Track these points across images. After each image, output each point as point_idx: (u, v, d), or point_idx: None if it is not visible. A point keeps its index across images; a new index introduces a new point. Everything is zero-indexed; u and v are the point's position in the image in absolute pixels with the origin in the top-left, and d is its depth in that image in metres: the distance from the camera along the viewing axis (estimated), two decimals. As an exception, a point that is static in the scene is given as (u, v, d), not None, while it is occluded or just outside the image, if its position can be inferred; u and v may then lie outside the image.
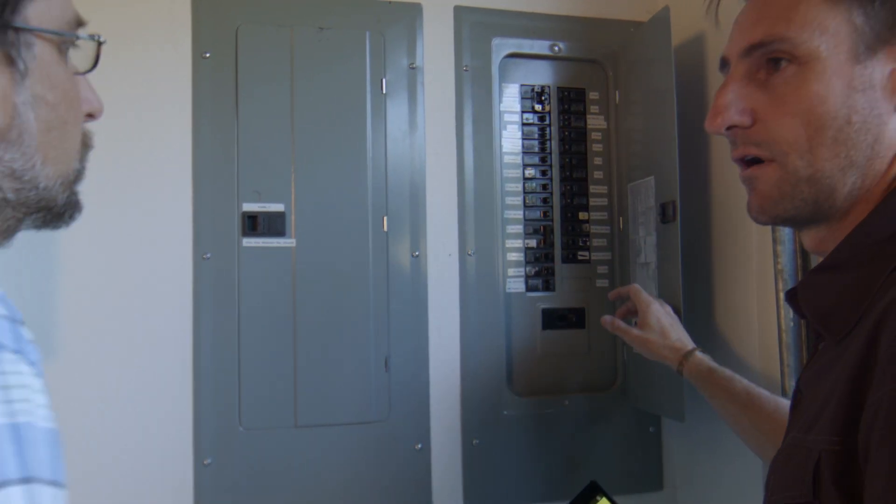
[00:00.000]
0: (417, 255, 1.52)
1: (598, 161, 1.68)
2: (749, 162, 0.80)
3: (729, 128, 0.80)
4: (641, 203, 1.56)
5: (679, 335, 1.36)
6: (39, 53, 0.60)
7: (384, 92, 1.53)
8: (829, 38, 0.73)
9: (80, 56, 0.68)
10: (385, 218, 1.51)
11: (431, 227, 1.54)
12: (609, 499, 1.31)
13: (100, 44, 0.67)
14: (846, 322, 0.72)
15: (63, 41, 0.63)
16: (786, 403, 1.18)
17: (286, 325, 1.45)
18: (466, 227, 1.56)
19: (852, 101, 0.73)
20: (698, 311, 1.52)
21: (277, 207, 1.45)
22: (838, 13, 0.73)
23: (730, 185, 1.46)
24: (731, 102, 0.79)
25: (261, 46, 1.47)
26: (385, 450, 1.49)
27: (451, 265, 1.55)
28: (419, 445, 1.51)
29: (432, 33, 1.57)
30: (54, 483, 0.44)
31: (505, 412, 1.55)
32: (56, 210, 0.66)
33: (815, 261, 0.86)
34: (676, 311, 1.40)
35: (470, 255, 1.56)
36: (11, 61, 0.57)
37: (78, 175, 0.68)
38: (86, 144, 0.69)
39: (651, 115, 1.53)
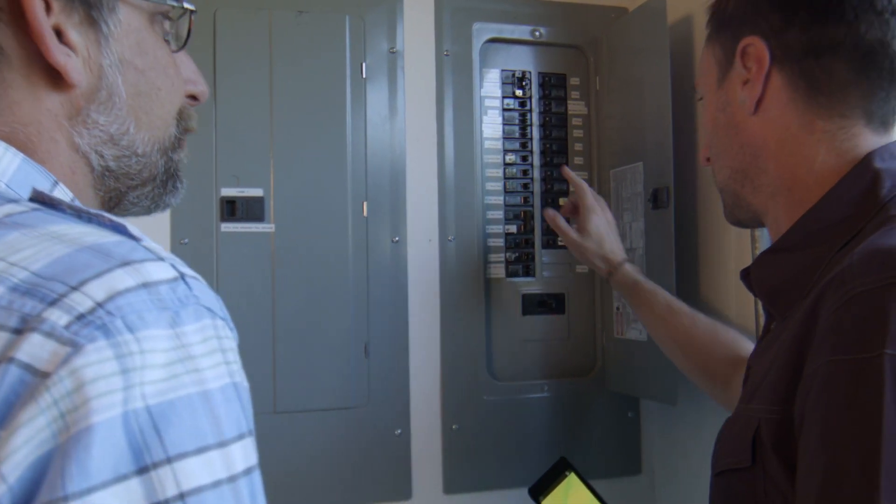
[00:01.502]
0: (397, 241, 1.52)
1: (578, 147, 1.68)
2: None
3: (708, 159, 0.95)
4: (627, 189, 1.57)
5: (613, 246, 1.41)
6: (126, 18, 0.61)
7: (364, 77, 1.52)
8: (705, 76, 0.90)
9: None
10: (365, 203, 1.50)
11: (412, 212, 1.53)
12: (578, 474, 1.32)
13: (191, 15, 0.69)
14: (791, 299, 0.78)
15: (156, 10, 0.64)
16: (704, 319, 1.27)
17: (265, 310, 1.44)
18: (447, 212, 1.56)
19: (718, 119, 0.88)
20: (684, 296, 1.53)
21: (256, 192, 1.45)
22: (708, 55, 0.89)
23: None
24: (705, 141, 0.95)
25: (239, 30, 1.45)
26: (364, 435, 1.49)
27: (431, 251, 1.55)
28: (399, 431, 1.51)
29: (413, 18, 1.56)
30: (253, 434, 0.49)
31: (485, 397, 1.56)
32: (160, 179, 0.68)
33: None
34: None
35: (450, 240, 1.55)
36: (94, 22, 0.59)
37: (175, 143, 0.69)
38: (183, 119, 0.70)
39: (641, 101, 1.53)
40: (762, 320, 1.33)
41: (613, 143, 1.63)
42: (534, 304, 1.63)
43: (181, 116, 0.70)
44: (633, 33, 1.56)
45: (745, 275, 0.90)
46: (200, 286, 0.50)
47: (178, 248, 1.41)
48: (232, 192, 1.44)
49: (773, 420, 0.71)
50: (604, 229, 1.41)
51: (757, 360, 0.85)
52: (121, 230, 0.50)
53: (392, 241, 1.51)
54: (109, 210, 0.66)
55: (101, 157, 0.61)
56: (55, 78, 0.58)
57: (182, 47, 0.70)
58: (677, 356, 1.28)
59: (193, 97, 0.73)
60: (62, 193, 0.57)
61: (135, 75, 0.62)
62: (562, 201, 1.64)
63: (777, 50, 0.80)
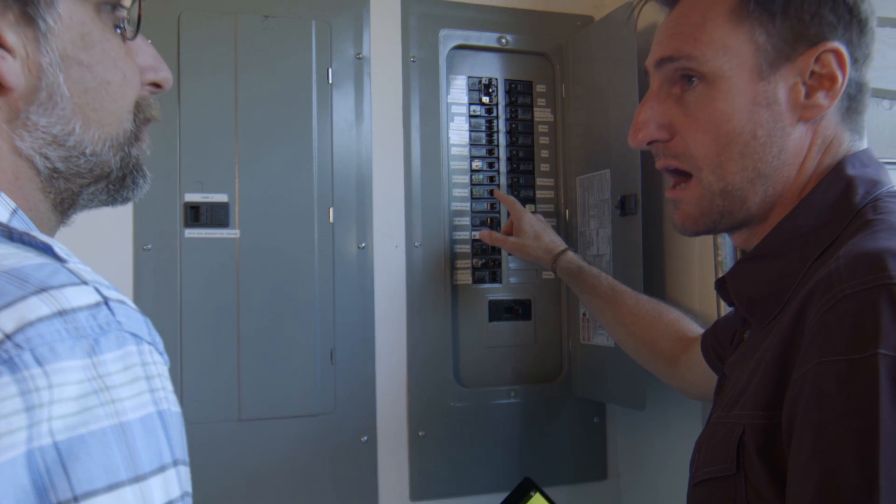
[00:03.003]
0: (364, 247, 1.51)
1: (544, 154, 1.68)
2: (673, 172, 0.85)
3: (650, 142, 0.85)
4: (593, 196, 1.58)
5: (552, 237, 1.48)
6: (66, 12, 0.58)
7: (330, 82, 1.51)
8: (733, 58, 0.77)
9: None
10: (331, 209, 1.50)
11: (378, 218, 1.53)
12: (543, 494, 1.31)
13: (140, 1, 0.66)
14: (771, 308, 0.77)
15: (101, 0, 0.61)
16: (647, 299, 1.30)
17: (229, 317, 1.43)
18: (413, 218, 1.55)
19: (757, 116, 0.77)
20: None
21: (221, 198, 1.43)
22: (741, 33, 0.77)
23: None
24: (650, 119, 0.84)
25: (204, 34, 1.44)
26: (331, 442, 1.48)
27: (397, 257, 1.55)
28: (365, 438, 1.50)
29: (379, 23, 1.56)
30: (185, 462, 0.48)
31: (451, 404, 1.56)
32: (114, 176, 0.64)
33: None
34: None
35: (417, 246, 1.55)
36: (30, 20, 0.56)
37: (132, 137, 0.65)
38: (142, 109, 0.66)
39: (607, 108, 1.54)
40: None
41: (579, 150, 1.64)
42: (500, 311, 1.63)
43: (139, 108, 0.66)
44: (599, 41, 1.58)
45: (721, 284, 0.88)
46: (125, 310, 0.47)
47: (140, 254, 1.39)
48: (196, 197, 1.42)
49: (758, 426, 0.70)
50: (538, 226, 1.49)
51: (734, 369, 0.83)
52: (47, 250, 0.48)
53: (358, 248, 1.51)
54: (65, 211, 0.63)
55: (47, 159, 0.58)
56: None
57: (135, 35, 0.66)
58: (624, 337, 1.32)
59: (156, 84, 0.69)
60: (19, 222, 0.54)
61: (80, 71, 0.59)
62: (529, 208, 1.64)
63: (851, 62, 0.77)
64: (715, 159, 0.80)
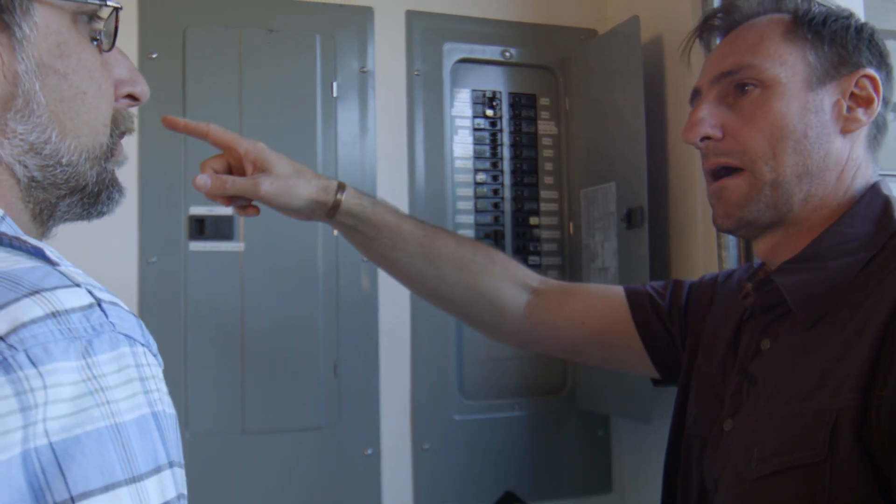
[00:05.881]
0: (367, 260, 1.51)
1: (548, 167, 1.69)
2: (721, 171, 0.92)
3: (703, 139, 0.91)
4: (598, 209, 1.58)
5: (315, 172, 1.12)
6: (43, 20, 0.58)
7: (335, 95, 1.52)
8: (788, 69, 0.88)
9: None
10: (335, 222, 1.50)
11: (382, 231, 1.53)
12: None
13: (117, 12, 0.64)
14: (822, 306, 0.84)
15: (78, 10, 0.61)
16: (466, 239, 1.22)
17: (234, 329, 1.43)
18: (417, 231, 1.55)
19: (808, 119, 0.87)
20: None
21: (225, 211, 1.43)
22: (795, 49, 0.89)
23: (685, 194, 1.48)
24: (704, 118, 0.91)
25: (209, 48, 1.45)
26: (334, 455, 1.48)
27: (401, 270, 1.54)
28: (369, 451, 1.50)
29: (384, 37, 1.57)
30: (180, 464, 0.48)
31: (455, 417, 1.55)
32: (89, 190, 0.64)
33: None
34: None
35: (421, 259, 1.55)
36: (6, 27, 0.56)
37: (108, 152, 0.65)
38: (118, 123, 0.66)
39: (612, 121, 1.54)
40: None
41: (583, 164, 1.64)
42: (504, 323, 1.63)
43: (115, 123, 0.66)
44: (603, 55, 1.58)
45: (762, 285, 0.91)
46: (119, 312, 0.48)
47: (145, 266, 1.39)
48: (201, 210, 1.43)
49: (852, 408, 0.74)
50: (289, 161, 1.10)
51: (775, 369, 0.86)
52: (38, 254, 0.48)
53: (362, 260, 1.51)
54: (44, 223, 0.63)
55: (26, 167, 0.58)
56: None
57: (111, 47, 0.65)
58: (449, 289, 1.14)
59: (133, 97, 0.69)
60: (7, 227, 0.54)
61: (56, 80, 0.59)
62: (533, 220, 1.65)
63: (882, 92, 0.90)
64: (769, 152, 0.88)
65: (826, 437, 0.75)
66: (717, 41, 0.98)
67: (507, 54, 1.66)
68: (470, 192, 1.63)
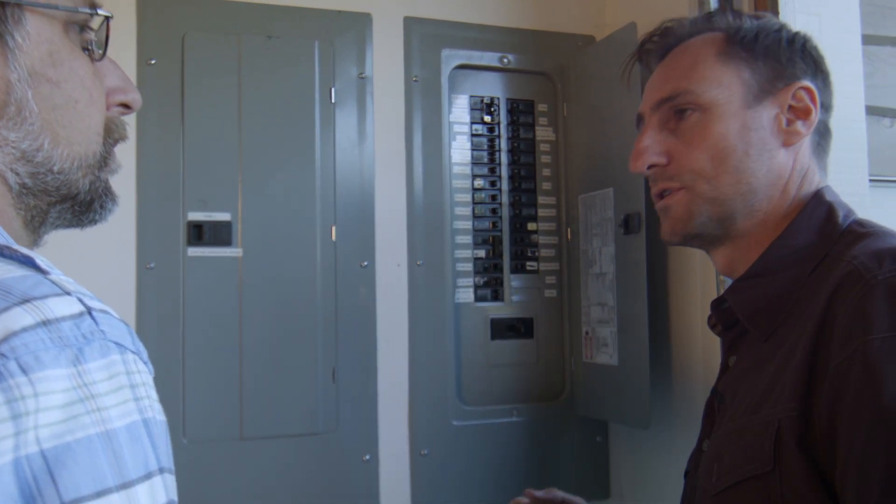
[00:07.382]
0: (366, 266, 1.52)
1: (546, 172, 1.69)
2: (663, 193, 0.95)
3: (649, 167, 0.94)
4: (596, 214, 1.58)
5: None
6: (35, 29, 0.58)
7: (333, 101, 1.52)
8: (725, 90, 0.90)
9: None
10: (334, 228, 1.50)
11: (380, 237, 1.53)
12: None
13: (108, 21, 0.65)
14: (773, 319, 0.85)
15: (69, 20, 0.61)
16: None
17: (232, 335, 1.43)
18: (415, 237, 1.56)
19: (748, 137, 0.89)
20: (654, 317, 1.54)
21: (224, 216, 1.44)
22: (730, 69, 0.91)
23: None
24: (649, 146, 0.93)
25: (208, 54, 1.45)
26: (333, 461, 1.47)
27: (399, 275, 1.55)
28: (367, 457, 1.50)
29: (382, 43, 1.57)
30: (170, 470, 0.48)
31: (454, 422, 1.55)
32: (81, 198, 0.64)
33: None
34: (636, 317, 1.41)
35: (419, 265, 1.55)
36: None
37: (101, 161, 0.65)
38: (111, 132, 0.66)
39: (610, 127, 1.55)
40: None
41: (581, 170, 1.65)
42: (502, 329, 1.63)
43: (108, 131, 0.66)
44: (601, 61, 1.59)
45: (718, 304, 0.94)
46: (109, 320, 0.48)
47: (143, 272, 1.39)
48: (199, 216, 1.43)
49: (792, 417, 0.75)
50: None
51: (736, 386, 0.88)
52: (29, 263, 0.49)
53: (360, 266, 1.51)
54: (35, 230, 0.63)
55: (17, 174, 0.58)
56: None
57: (103, 56, 0.66)
58: None
59: (125, 105, 0.69)
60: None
61: (48, 88, 0.59)
62: (531, 226, 1.65)
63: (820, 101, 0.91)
64: (710, 172, 0.89)
65: (771, 448, 0.76)
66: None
67: (505, 61, 1.66)
68: (468, 197, 1.63)
